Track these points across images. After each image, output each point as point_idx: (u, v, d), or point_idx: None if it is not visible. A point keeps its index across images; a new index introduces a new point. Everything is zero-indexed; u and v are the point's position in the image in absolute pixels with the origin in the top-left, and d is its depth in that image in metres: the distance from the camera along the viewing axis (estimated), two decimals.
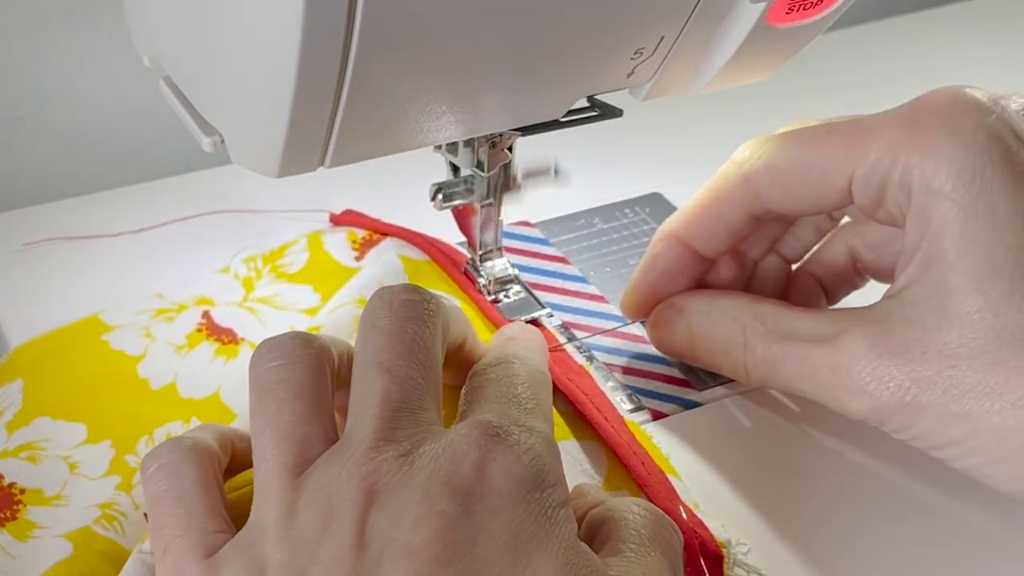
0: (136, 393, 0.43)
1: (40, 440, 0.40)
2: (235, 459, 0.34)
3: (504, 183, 0.44)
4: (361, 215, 0.52)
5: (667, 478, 0.39)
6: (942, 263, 0.35)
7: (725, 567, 0.37)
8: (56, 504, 0.38)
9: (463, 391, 0.36)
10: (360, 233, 0.51)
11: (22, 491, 0.38)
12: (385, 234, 0.51)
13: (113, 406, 0.42)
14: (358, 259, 0.50)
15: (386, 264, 0.48)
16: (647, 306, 0.44)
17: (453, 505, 0.28)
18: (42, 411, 0.41)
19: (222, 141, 0.34)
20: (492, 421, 0.30)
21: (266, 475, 0.30)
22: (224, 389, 0.43)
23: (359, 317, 0.44)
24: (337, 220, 0.52)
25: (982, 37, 0.77)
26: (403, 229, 0.51)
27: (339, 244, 0.51)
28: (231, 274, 0.49)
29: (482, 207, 0.45)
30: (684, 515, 0.37)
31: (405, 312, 0.33)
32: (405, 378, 0.31)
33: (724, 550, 0.37)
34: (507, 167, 0.43)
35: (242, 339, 0.46)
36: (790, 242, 0.44)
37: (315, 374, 0.32)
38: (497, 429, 0.30)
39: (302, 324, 0.46)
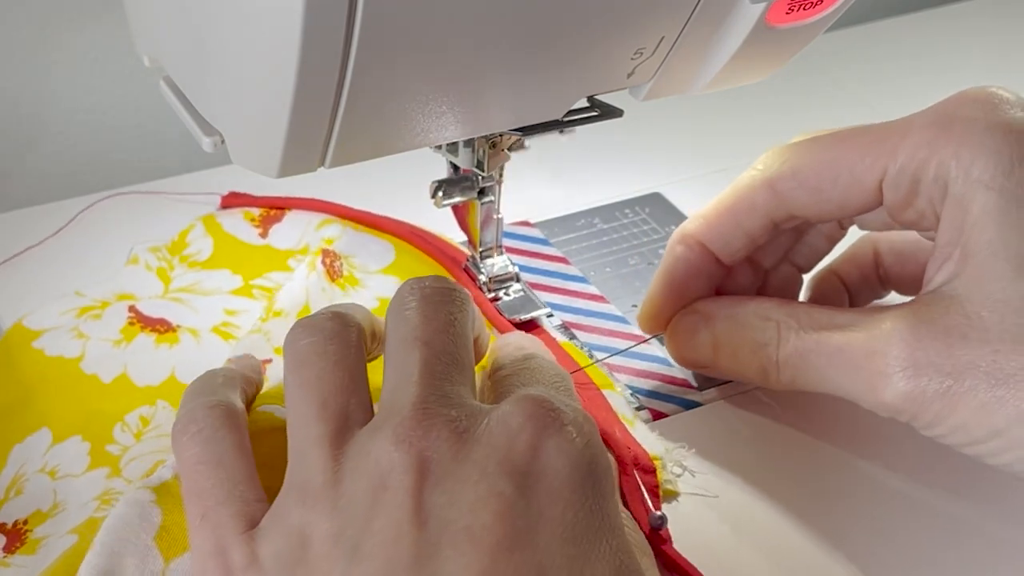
0: (90, 389, 0.43)
1: (17, 467, 0.40)
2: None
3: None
4: (248, 195, 0.53)
5: (603, 395, 0.41)
6: (984, 252, 0.35)
7: (659, 476, 0.39)
8: (55, 513, 0.38)
9: (487, 385, 0.36)
10: (256, 211, 0.52)
11: (26, 521, 0.38)
12: (282, 208, 0.52)
13: (70, 405, 0.42)
14: (262, 236, 0.51)
15: (314, 236, 0.49)
16: (668, 314, 0.43)
17: (511, 487, 0.27)
18: (9, 444, 0.40)
19: (222, 141, 0.34)
20: (541, 395, 0.30)
21: (305, 442, 0.30)
22: (179, 370, 0.44)
23: (310, 285, 0.45)
24: (228, 203, 0.53)
25: (982, 37, 0.77)
26: (300, 199, 0.52)
27: (238, 225, 0.51)
28: (142, 265, 0.49)
29: (482, 204, 0.45)
30: (617, 434, 0.39)
31: (437, 296, 0.32)
32: (442, 351, 0.31)
33: (657, 461, 0.39)
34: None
35: (178, 326, 0.46)
36: (802, 251, 0.44)
37: (353, 349, 0.32)
38: (548, 404, 0.29)
39: (234, 305, 0.47)
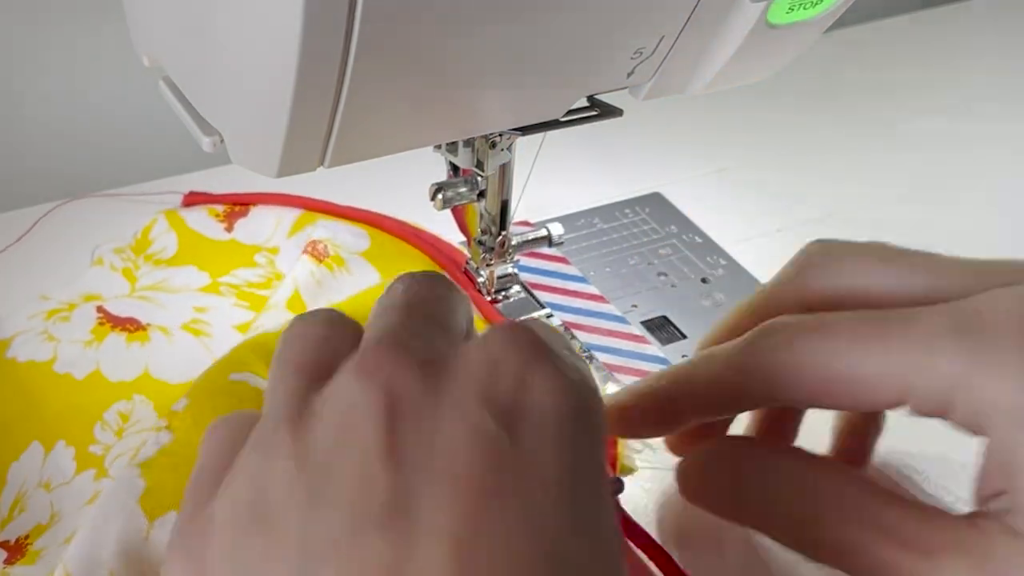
0: (64, 388, 0.43)
1: (18, 486, 0.40)
2: None
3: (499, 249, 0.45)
4: (209, 194, 0.53)
5: None
6: None
7: (619, 450, 0.40)
8: (53, 524, 0.38)
9: None
10: (220, 208, 0.52)
11: (27, 536, 0.38)
12: (246, 204, 0.52)
13: (47, 408, 0.42)
14: (228, 230, 0.51)
15: (286, 242, 0.50)
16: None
17: (494, 424, 0.24)
18: (6, 463, 0.41)
19: (222, 141, 0.34)
20: (527, 324, 0.26)
21: (278, 379, 0.26)
22: (152, 367, 0.44)
23: (297, 275, 0.45)
24: (189, 202, 0.53)
25: (982, 37, 0.77)
26: (263, 194, 0.52)
27: (203, 220, 0.52)
28: (107, 266, 0.49)
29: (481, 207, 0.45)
30: None
31: (425, 291, 0.29)
32: (428, 313, 0.27)
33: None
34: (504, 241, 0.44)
35: (148, 325, 0.46)
36: None
37: (348, 339, 0.27)
38: (533, 332, 0.25)
39: (202, 302, 0.47)
